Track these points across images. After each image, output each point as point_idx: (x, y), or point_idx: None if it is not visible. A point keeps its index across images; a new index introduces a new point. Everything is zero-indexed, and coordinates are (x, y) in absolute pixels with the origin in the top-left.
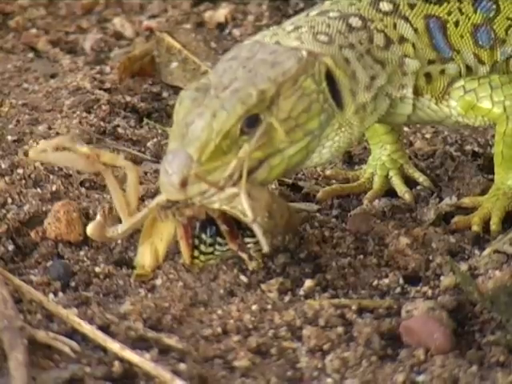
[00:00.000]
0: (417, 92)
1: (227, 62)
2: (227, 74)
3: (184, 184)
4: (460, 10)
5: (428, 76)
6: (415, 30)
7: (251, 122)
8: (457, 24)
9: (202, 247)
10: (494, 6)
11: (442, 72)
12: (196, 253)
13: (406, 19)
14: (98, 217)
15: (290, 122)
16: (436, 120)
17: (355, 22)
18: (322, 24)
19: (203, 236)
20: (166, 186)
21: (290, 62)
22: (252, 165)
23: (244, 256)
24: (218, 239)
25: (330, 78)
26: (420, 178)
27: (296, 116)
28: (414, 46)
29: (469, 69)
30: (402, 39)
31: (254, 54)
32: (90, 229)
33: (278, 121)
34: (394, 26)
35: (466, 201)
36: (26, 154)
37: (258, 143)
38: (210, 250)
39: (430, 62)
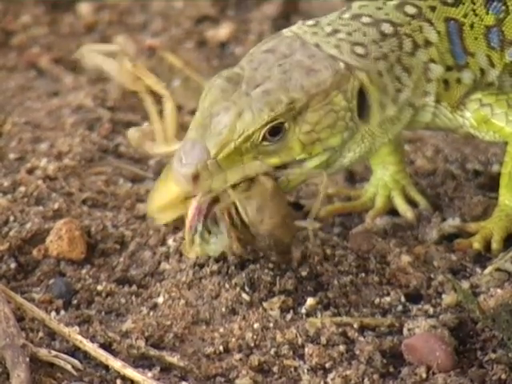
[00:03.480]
0: (436, 99)
1: (264, 53)
2: (262, 68)
3: (196, 178)
4: (474, 11)
5: (446, 83)
6: (438, 33)
7: (275, 129)
8: (472, 26)
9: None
10: (504, 8)
11: (459, 81)
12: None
13: (430, 22)
14: (144, 125)
15: (311, 135)
16: (450, 128)
17: (387, 28)
18: (357, 31)
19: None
20: (178, 175)
21: (325, 73)
22: (266, 169)
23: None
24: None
25: (361, 93)
26: (421, 201)
27: (319, 130)
28: (438, 49)
29: (482, 72)
30: (428, 43)
31: (292, 51)
32: (132, 131)
33: (301, 133)
34: (420, 29)
35: (472, 226)
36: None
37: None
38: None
39: (448, 69)
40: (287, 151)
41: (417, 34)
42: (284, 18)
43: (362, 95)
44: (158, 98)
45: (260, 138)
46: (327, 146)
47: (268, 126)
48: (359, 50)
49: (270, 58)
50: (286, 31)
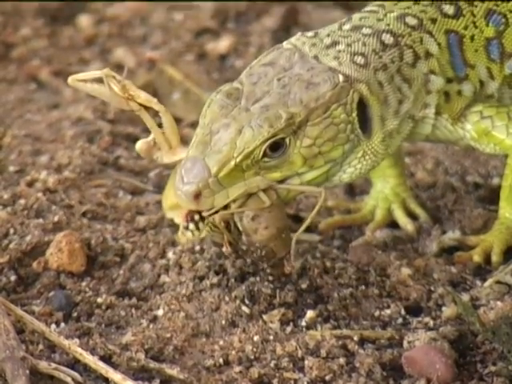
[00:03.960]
0: (436, 111)
1: (264, 67)
2: (261, 82)
3: (197, 196)
4: (474, 23)
5: (447, 95)
6: (439, 45)
7: (275, 145)
8: (472, 38)
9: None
10: (504, 20)
11: (459, 93)
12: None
13: (431, 34)
14: (150, 137)
15: (313, 148)
16: (450, 140)
17: (387, 38)
18: (357, 42)
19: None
20: (179, 193)
21: (325, 86)
22: (268, 184)
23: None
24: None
25: (361, 105)
26: (421, 214)
27: (320, 144)
28: (438, 61)
29: (481, 84)
30: (428, 54)
31: (291, 64)
32: (140, 144)
33: (302, 147)
34: (421, 40)
35: (472, 239)
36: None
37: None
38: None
39: (449, 81)
40: (289, 165)
41: (417, 45)
42: (284, 31)
43: (363, 107)
44: (155, 112)
45: (261, 155)
46: (329, 158)
47: (268, 142)
48: (359, 59)
49: (269, 72)
50: (285, 43)
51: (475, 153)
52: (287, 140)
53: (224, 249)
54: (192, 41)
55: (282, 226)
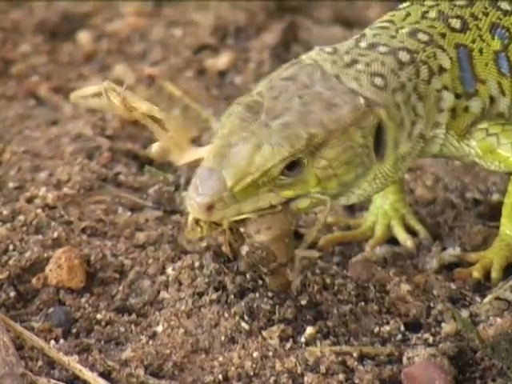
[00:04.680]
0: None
1: (285, 81)
2: (282, 98)
3: (211, 207)
4: (481, 37)
5: (453, 111)
6: (451, 59)
7: (292, 164)
8: (481, 51)
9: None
10: (508, 34)
11: (466, 109)
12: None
13: (443, 48)
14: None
15: (328, 170)
16: (455, 156)
17: (404, 56)
18: (376, 62)
19: None
20: (193, 203)
21: (345, 109)
22: (280, 201)
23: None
24: None
25: (378, 128)
26: (420, 230)
27: (335, 166)
28: (450, 76)
29: (492, 101)
30: (442, 69)
31: (312, 82)
32: (156, 146)
33: (318, 168)
34: (435, 55)
35: (472, 256)
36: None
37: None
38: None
39: (457, 97)
40: (302, 185)
41: (432, 60)
42: (283, 47)
43: (378, 131)
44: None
45: (277, 173)
46: (342, 181)
47: (286, 162)
48: (378, 81)
49: (290, 87)
50: (305, 58)
51: (475, 169)
52: (305, 160)
53: (223, 248)
54: (191, 57)
55: (286, 229)
